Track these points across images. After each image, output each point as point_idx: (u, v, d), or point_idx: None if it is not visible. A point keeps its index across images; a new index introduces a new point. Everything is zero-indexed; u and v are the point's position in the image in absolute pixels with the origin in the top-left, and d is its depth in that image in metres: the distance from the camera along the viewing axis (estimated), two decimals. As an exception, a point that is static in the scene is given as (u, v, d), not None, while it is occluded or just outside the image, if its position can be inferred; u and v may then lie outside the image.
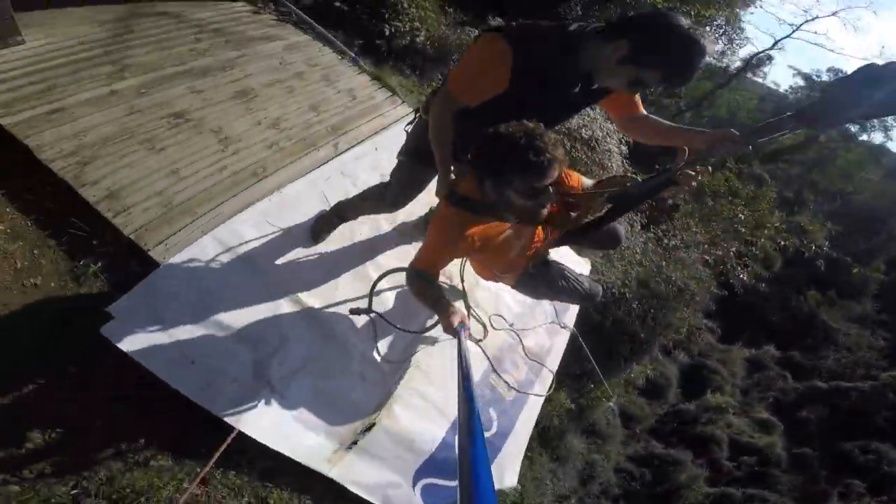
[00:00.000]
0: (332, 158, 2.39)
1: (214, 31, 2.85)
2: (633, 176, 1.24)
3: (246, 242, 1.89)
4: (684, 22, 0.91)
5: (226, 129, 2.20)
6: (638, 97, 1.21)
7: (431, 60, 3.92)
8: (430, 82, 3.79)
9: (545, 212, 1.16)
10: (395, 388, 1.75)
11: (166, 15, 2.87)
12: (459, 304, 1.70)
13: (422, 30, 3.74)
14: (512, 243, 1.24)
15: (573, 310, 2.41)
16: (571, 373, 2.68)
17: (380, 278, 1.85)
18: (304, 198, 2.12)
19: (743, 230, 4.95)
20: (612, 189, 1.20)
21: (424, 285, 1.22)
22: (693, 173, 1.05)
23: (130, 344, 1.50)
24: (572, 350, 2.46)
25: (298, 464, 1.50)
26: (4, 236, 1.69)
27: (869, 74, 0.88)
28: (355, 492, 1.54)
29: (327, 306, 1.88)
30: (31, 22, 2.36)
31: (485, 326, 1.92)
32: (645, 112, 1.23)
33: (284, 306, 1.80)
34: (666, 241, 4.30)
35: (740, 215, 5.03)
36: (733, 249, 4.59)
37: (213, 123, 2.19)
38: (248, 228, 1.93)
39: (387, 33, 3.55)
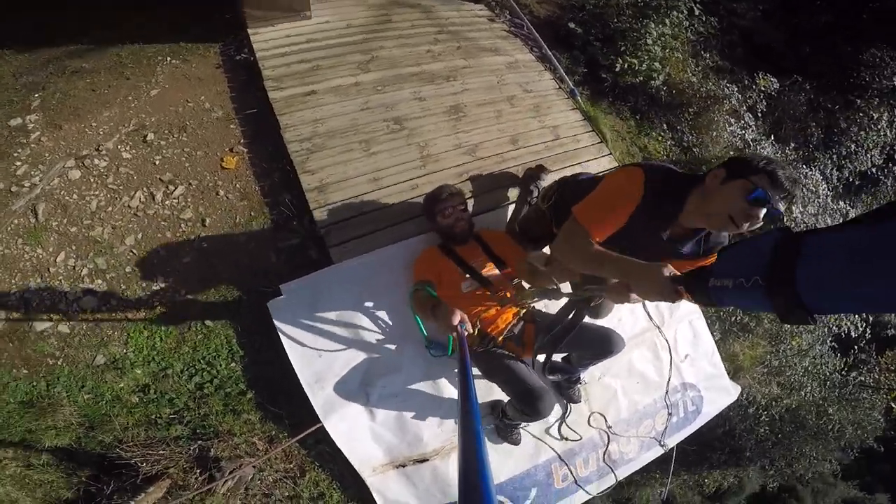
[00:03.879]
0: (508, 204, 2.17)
1: (451, 33, 2.86)
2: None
3: (404, 268, 1.87)
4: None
5: (430, 145, 2.18)
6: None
7: (660, 106, 3.27)
8: (650, 131, 3.18)
9: (460, 226, 1.66)
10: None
11: (418, 7, 3.01)
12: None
13: (661, 72, 3.12)
14: (458, 281, 1.61)
15: (686, 430, 2.22)
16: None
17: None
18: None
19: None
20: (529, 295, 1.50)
21: (421, 294, 1.55)
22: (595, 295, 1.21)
23: (282, 322, 1.72)
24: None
25: (348, 461, 1.70)
26: (237, 193, 2.03)
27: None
28: (377, 499, 1.72)
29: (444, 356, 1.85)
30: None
31: (567, 434, 1.97)
32: None
33: (409, 341, 1.82)
34: (857, 375, 3.70)
35: None
36: None
37: (422, 137, 2.19)
38: (409, 255, 1.90)
39: (617, 68, 3.06)
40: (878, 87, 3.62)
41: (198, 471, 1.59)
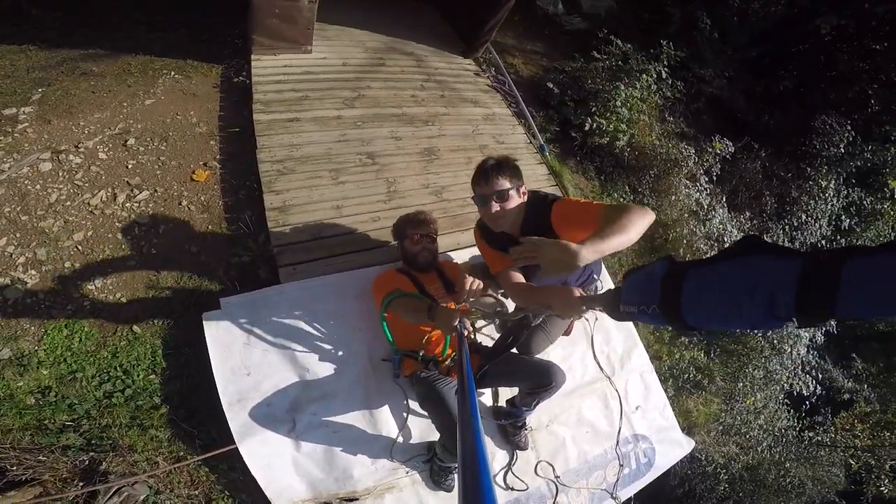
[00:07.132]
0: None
1: (438, 82, 3.10)
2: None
3: (353, 297, 1.89)
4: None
5: (398, 182, 2.29)
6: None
7: (623, 168, 3.51)
8: (612, 192, 3.38)
9: (424, 256, 1.75)
10: (402, 480, 1.75)
11: (412, 56, 3.28)
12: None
13: (626, 133, 3.38)
14: (416, 303, 1.57)
15: (639, 483, 2.16)
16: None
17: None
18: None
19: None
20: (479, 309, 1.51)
21: (405, 299, 1.56)
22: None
23: (213, 335, 1.67)
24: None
25: (262, 492, 1.55)
26: (200, 206, 2.07)
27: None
28: None
29: (385, 385, 1.83)
30: (323, 34, 2.96)
31: (513, 483, 1.88)
32: None
33: (351, 367, 1.79)
34: (813, 434, 3.87)
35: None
36: (892, 462, 4.03)
37: (392, 173, 2.31)
38: (359, 284, 1.92)
39: (587, 127, 3.32)
40: (827, 155, 3.76)
41: (80, 483, 1.44)
